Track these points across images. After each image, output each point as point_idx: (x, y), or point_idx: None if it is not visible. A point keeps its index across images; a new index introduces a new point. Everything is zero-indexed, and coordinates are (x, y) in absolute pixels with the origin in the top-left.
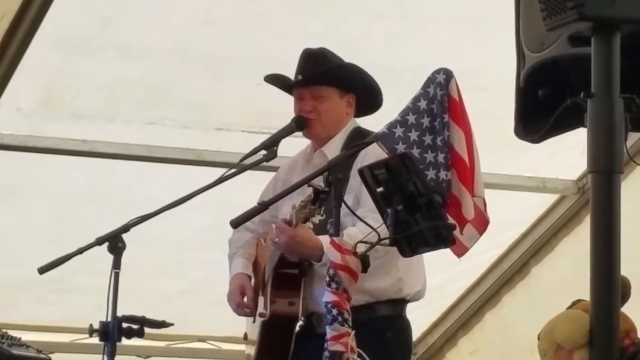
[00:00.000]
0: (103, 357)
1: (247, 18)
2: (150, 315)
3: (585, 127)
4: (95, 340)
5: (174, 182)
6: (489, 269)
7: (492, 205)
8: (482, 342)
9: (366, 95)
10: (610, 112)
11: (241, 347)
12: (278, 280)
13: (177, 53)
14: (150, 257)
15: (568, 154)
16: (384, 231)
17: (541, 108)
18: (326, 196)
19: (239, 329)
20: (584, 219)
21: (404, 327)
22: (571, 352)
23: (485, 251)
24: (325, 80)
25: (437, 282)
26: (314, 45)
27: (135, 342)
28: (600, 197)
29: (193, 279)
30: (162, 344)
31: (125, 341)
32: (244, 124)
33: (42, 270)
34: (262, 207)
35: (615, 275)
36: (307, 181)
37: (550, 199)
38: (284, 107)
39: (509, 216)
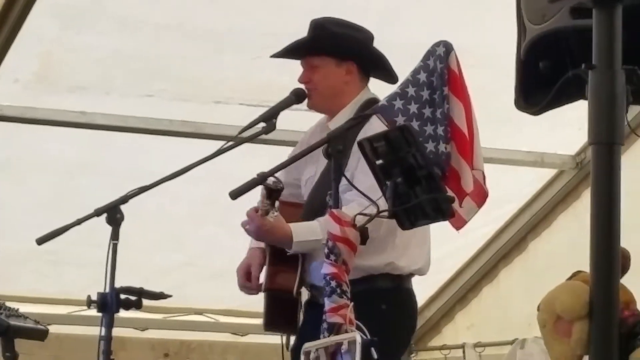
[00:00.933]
0: (101, 328)
1: None
2: (148, 287)
3: (585, 99)
4: (93, 312)
5: (172, 155)
6: (487, 243)
7: (490, 179)
8: (479, 316)
9: (368, 62)
10: (611, 83)
11: (238, 319)
12: (274, 254)
13: (175, 26)
14: (147, 230)
15: (566, 128)
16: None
17: (542, 80)
18: (280, 195)
19: (236, 302)
20: (581, 194)
21: (402, 299)
22: (571, 322)
23: (483, 226)
24: (317, 50)
25: (434, 256)
26: (310, 19)
27: (132, 314)
28: (600, 169)
29: (190, 252)
30: (160, 316)
31: (122, 313)
32: (242, 97)
33: (40, 241)
34: (261, 178)
35: (614, 247)
36: (307, 152)
37: (548, 173)
38: (282, 80)
39: (507, 191)
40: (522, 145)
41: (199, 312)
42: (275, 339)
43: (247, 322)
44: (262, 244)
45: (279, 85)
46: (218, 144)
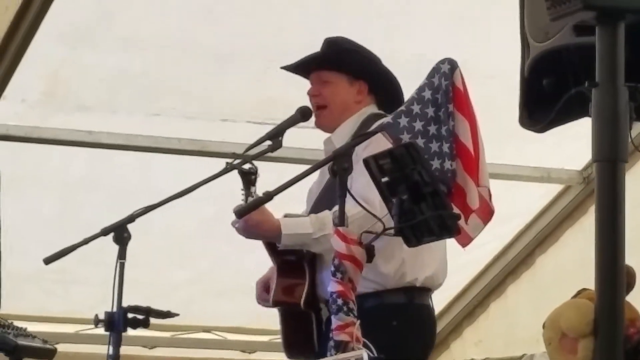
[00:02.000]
0: (108, 347)
1: (249, 8)
2: (155, 306)
3: (589, 116)
4: (100, 330)
5: (179, 173)
6: (494, 259)
7: (497, 195)
8: (486, 332)
9: (380, 83)
10: (614, 101)
11: (246, 337)
12: (283, 267)
13: (180, 45)
14: (154, 248)
15: (573, 144)
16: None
17: (546, 98)
18: (254, 177)
19: (244, 319)
20: (588, 209)
21: (416, 315)
22: (576, 340)
23: (490, 241)
24: (331, 65)
25: None
26: (315, 35)
27: (140, 332)
28: (604, 186)
29: (197, 270)
30: (167, 334)
31: (130, 331)
32: (248, 114)
33: (48, 260)
34: (267, 197)
35: (619, 264)
36: (313, 170)
37: (555, 189)
38: (288, 97)
39: (514, 206)
40: (529, 160)
41: (207, 329)
42: (285, 357)
43: (256, 340)
44: None
45: (285, 101)
46: (224, 162)
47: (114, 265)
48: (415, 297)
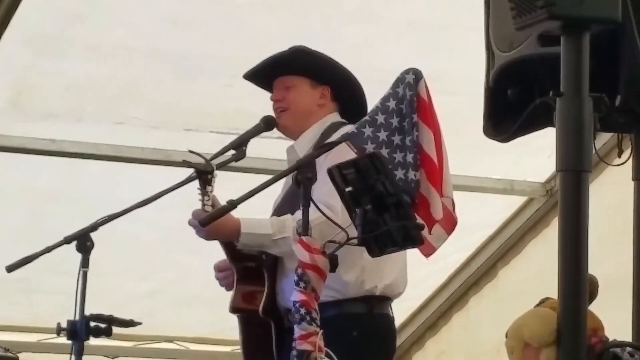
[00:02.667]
0: (71, 356)
1: (216, 19)
2: (118, 315)
3: (553, 126)
4: (63, 339)
5: (143, 183)
6: (457, 271)
7: (460, 207)
8: (449, 343)
9: (342, 86)
10: (579, 110)
11: (209, 347)
12: (243, 273)
13: (146, 53)
14: (117, 257)
15: (536, 156)
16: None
17: (510, 108)
18: (210, 176)
19: (207, 329)
20: (551, 222)
21: (376, 325)
22: (539, 349)
23: (453, 253)
24: (292, 69)
25: None
26: (283, 46)
27: (103, 342)
28: (568, 196)
29: (160, 279)
30: (130, 344)
31: (93, 341)
32: (213, 124)
33: (10, 268)
34: (231, 205)
35: (583, 273)
36: (277, 179)
37: (518, 201)
38: (253, 108)
39: (477, 218)
40: (492, 172)
41: (170, 339)
42: None
43: (218, 350)
44: None
45: (250, 113)
46: (188, 172)
47: (77, 274)
48: (374, 306)
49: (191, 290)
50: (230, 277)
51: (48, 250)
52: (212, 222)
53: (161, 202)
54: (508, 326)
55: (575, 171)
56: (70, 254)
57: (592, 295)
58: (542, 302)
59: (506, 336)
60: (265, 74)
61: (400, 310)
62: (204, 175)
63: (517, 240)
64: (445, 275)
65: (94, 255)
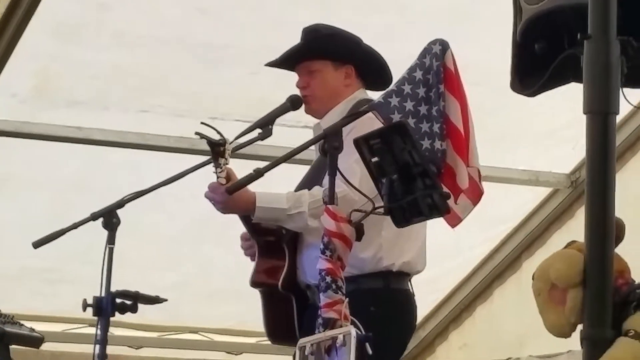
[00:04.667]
0: (96, 331)
1: (241, 7)
2: (143, 308)
3: (579, 81)
4: (88, 329)
5: (168, 171)
6: (481, 263)
7: (485, 198)
8: (472, 336)
9: (366, 64)
10: (606, 53)
11: (233, 339)
12: (263, 248)
13: (172, 41)
14: (142, 249)
15: (561, 147)
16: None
17: (537, 62)
18: (222, 148)
19: (231, 321)
20: (576, 213)
21: (394, 300)
22: (565, 290)
23: (477, 245)
24: (313, 54)
25: (429, 276)
26: None
27: (127, 332)
28: (595, 138)
29: (185, 271)
30: (154, 334)
31: (117, 331)
32: (238, 113)
33: (37, 244)
34: (257, 174)
35: (609, 215)
36: (302, 149)
37: (543, 192)
38: (278, 96)
39: (502, 210)
40: (518, 163)
41: (194, 330)
42: (271, 358)
43: (242, 341)
44: None
45: (275, 101)
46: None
47: (101, 264)
48: (392, 281)
49: (216, 282)
50: (254, 246)
51: (75, 226)
52: (238, 190)
53: (186, 193)
54: (530, 318)
55: (602, 113)
56: (96, 243)
57: (619, 238)
58: (569, 244)
59: (533, 278)
60: (287, 64)
61: (425, 303)
62: (216, 147)
63: (542, 232)
64: (470, 268)
65: (118, 247)
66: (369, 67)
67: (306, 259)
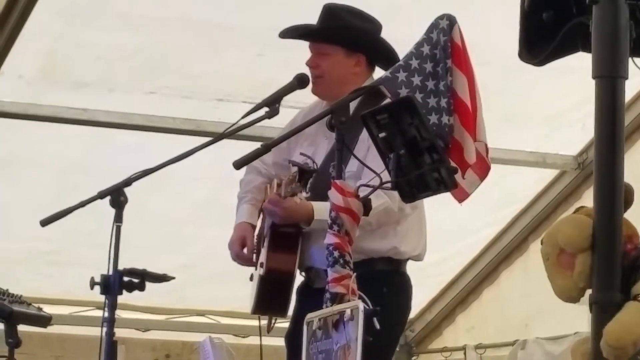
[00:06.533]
0: (104, 310)
1: None
2: (150, 289)
3: (587, 51)
4: (94, 312)
5: (174, 152)
6: (488, 245)
7: (491, 180)
8: (479, 318)
9: (378, 56)
10: (615, 17)
11: (240, 321)
12: (275, 237)
13: (178, 22)
14: (148, 232)
15: (568, 129)
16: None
17: (545, 31)
18: (312, 176)
19: (237, 303)
20: (583, 195)
21: (402, 284)
22: (574, 255)
23: (484, 228)
24: (328, 38)
25: (435, 259)
26: (315, 16)
27: (133, 315)
28: (604, 101)
29: (191, 254)
30: (161, 317)
31: (124, 313)
32: (244, 94)
33: (44, 222)
34: (265, 148)
35: (618, 179)
36: (309, 124)
37: (550, 174)
38: (284, 78)
39: (508, 192)
40: (524, 145)
41: (201, 313)
42: (277, 340)
43: (249, 324)
44: (250, 220)
45: (282, 82)
46: (219, 142)
47: (108, 248)
48: (400, 266)
49: (222, 265)
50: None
51: (82, 204)
52: (246, 164)
53: (192, 176)
54: (537, 300)
55: (611, 77)
56: (102, 227)
57: (628, 202)
58: (578, 210)
59: (541, 243)
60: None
61: (431, 286)
62: (307, 174)
63: (549, 214)
64: (476, 250)
65: (125, 230)
66: (381, 57)
67: (314, 244)
